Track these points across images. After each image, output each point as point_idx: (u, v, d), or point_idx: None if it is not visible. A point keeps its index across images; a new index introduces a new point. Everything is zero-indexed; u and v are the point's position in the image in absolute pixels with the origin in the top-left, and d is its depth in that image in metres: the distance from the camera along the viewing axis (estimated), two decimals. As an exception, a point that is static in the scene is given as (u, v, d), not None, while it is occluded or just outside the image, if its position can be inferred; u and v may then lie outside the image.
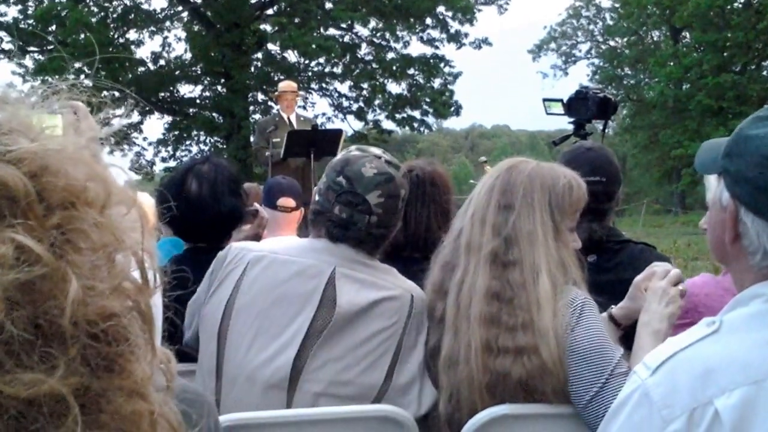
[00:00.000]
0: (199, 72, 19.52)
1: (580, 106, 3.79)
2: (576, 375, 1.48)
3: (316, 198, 1.66)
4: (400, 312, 1.58)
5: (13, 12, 17.43)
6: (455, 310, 1.55)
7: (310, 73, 20.00)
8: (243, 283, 1.57)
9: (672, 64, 24.69)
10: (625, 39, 32.01)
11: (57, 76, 0.54)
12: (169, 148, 19.94)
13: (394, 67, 19.63)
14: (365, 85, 20.00)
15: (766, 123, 0.98)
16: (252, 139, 9.63)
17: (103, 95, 0.56)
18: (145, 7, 18.81)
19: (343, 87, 20.31)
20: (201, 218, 2.08)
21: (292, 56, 19.48)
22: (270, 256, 1.59)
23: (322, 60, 19.45)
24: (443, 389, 1.55)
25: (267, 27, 19.26)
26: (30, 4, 17.41)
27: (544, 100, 4.08)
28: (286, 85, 7.05)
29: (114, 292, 0.47)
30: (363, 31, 19.97)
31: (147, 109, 17.86)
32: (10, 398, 0.41)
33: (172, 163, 18.97)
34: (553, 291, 1.50)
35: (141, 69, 18.42)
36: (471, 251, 1.58)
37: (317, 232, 1.65)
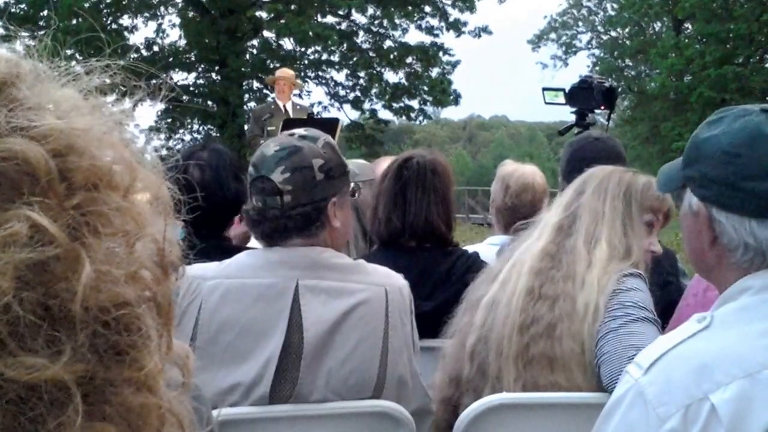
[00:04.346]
0: (193, 59, 19.33)
1: (584, 95, 3.74)
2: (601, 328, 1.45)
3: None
4: (376, 315, 1.47)
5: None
6: (510, 266, 1.58)
7: (306, 61, 19.84)
8: (202, 318, 1.46)
9: (674, 55, 24.61)
10: (627, 30, 31.88)
11: (48, 61, 0.50)
12: (162, 136, 19.83)
13: (392, 56, 19.46)
14: (362, 74, 19.84)
15: (717, 124, 1.02)
16: (246, 127, 9.78)
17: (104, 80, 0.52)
18: (139, -8, 18.59)
19: (340, 75, 20.19)
20: (206, 204, 2.10)
21: (288, 44, 19.31)
22: (225, 282, 1.48)
23: (318, 48, 19.27)
24: (475, 328, 1.55)
25: (263, 14, 19.08)
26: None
27: (544, 89, 4.04)
28: (284, 71, 7.14)
29: (130, 279, 0.45)
30: (361, 19, 19.80)
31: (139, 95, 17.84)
32: (11, 382, 0.40)
33: (164, 152, 18.83)
34: (609, 259, 1.50)
35: (134, 55, 18.24)
36: (542, 225, 1.63)
37: (257, 236, 1.57)
